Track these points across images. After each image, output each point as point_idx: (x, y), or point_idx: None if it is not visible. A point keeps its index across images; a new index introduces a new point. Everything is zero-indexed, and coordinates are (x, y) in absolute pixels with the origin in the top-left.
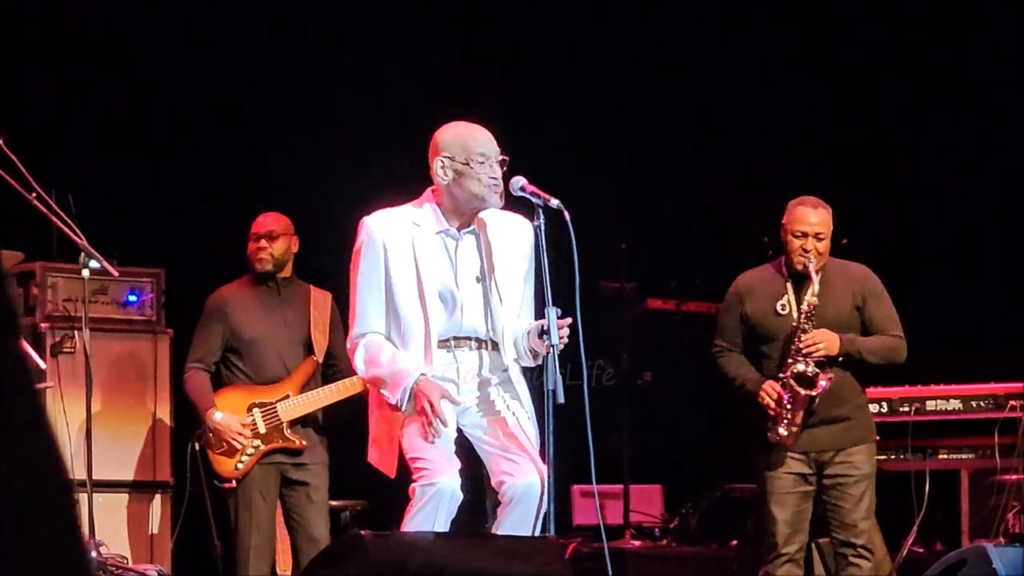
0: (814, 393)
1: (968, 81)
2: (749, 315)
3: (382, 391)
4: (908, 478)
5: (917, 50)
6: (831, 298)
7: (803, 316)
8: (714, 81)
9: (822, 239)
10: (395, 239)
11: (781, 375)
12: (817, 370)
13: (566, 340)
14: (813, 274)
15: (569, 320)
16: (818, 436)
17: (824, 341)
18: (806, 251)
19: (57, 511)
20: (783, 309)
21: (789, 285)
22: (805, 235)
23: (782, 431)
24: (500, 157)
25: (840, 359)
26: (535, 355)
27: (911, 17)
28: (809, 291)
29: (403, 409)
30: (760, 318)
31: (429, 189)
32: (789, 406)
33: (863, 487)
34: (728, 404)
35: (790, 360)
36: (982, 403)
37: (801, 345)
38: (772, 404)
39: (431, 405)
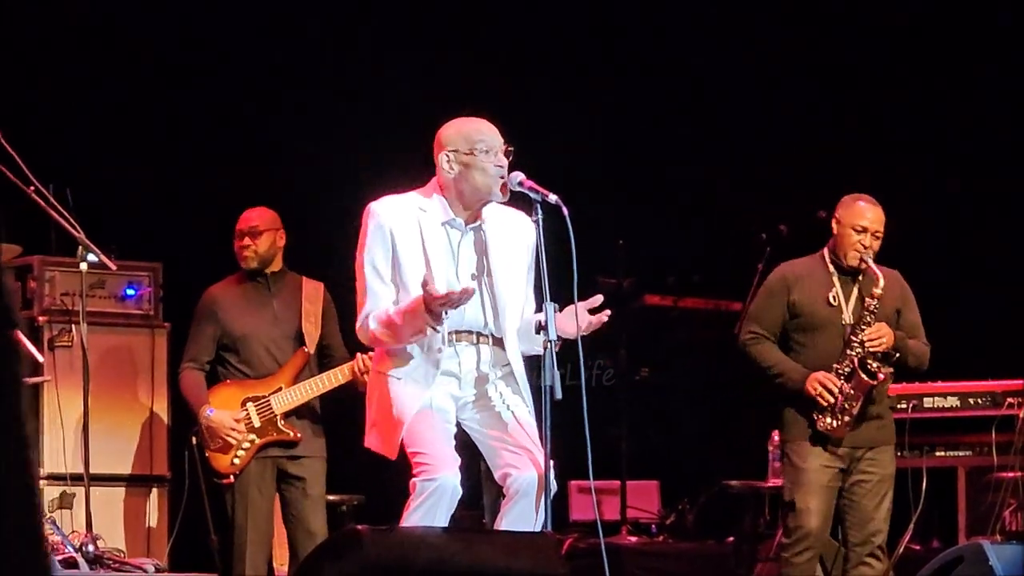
0: (876, 383)
1: (968, 81)
2: (797, 303)
3: (405, 337)
4: (905, 475)
5: (917, 50)
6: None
7: (867, 310)
8: (714, 78)
9: (879, 237)
10: (402, 225)
11: (836, 365)
12: (878, 363)
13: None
14: (876, 269)
15: (600, 299)
16: (860, 431)
17: (886, 336)
18: (864, 247)
19: (19, 512)
20: (834, 301)
21: (836, 278)
22: (865, 230)
23: (834, 422)
24: (505, 148)
25: (895, 356)
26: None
27: (911, 17)
28: (867, 285)
29: (440, 322)
30: (809, 307)
31: (434, 179)
32: (852, 393)
33: (886, 487)
34: (729, 399)
35: (849, 351)
36: (979, 400)
37: (864, 337)
38: (827, 395)
39: (444, 295)
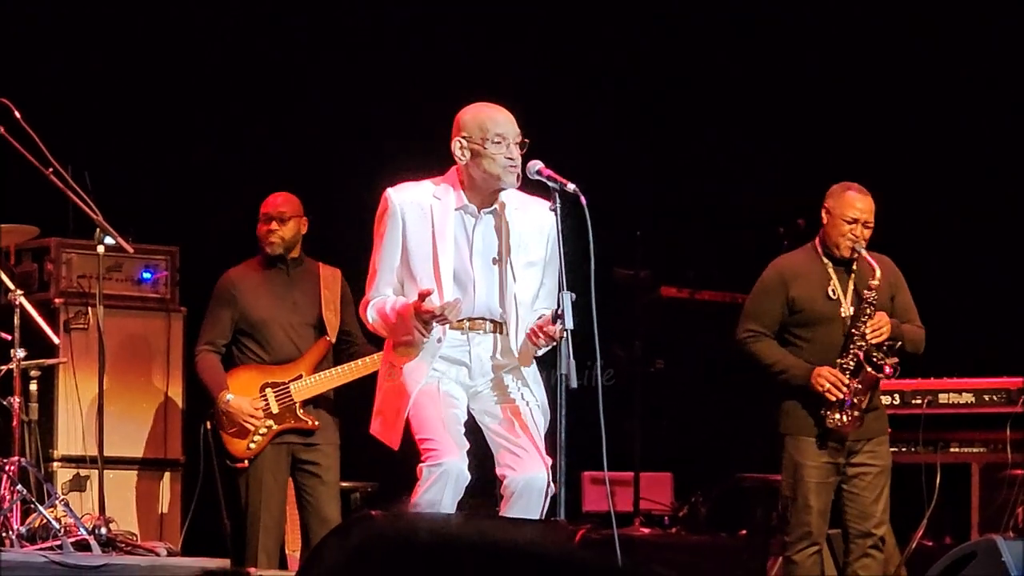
0: (883, 376)
1: (972, 71)
2: (796, 299)
3: (398, 336)
4: (919, 471)
5: (929, 39)
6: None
7: (866, 301)
8: (734, 70)
9: (870, 227)
10: (414, 211)
11: (841, 360)
12: (883, 355)
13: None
14: (870, 259)
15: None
16: (861, 423)
17: (886, 326)
18: (856, 237)
19: None
20: (833, 294)
21: (831, 270)
22: (855, 221)
23: (844, 418)
24: (519, 139)
25: (897, 345)
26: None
27: (916, 9)
28: (861, 276)
29: (428, 332)
30: (809, 303)
31: (453, 167)
32: (859, 388)
33: (884, 479)
34: (744, 392)
35: (852, 346)
36: (994, 397)
37: (867, 330)
38: (835, 391)
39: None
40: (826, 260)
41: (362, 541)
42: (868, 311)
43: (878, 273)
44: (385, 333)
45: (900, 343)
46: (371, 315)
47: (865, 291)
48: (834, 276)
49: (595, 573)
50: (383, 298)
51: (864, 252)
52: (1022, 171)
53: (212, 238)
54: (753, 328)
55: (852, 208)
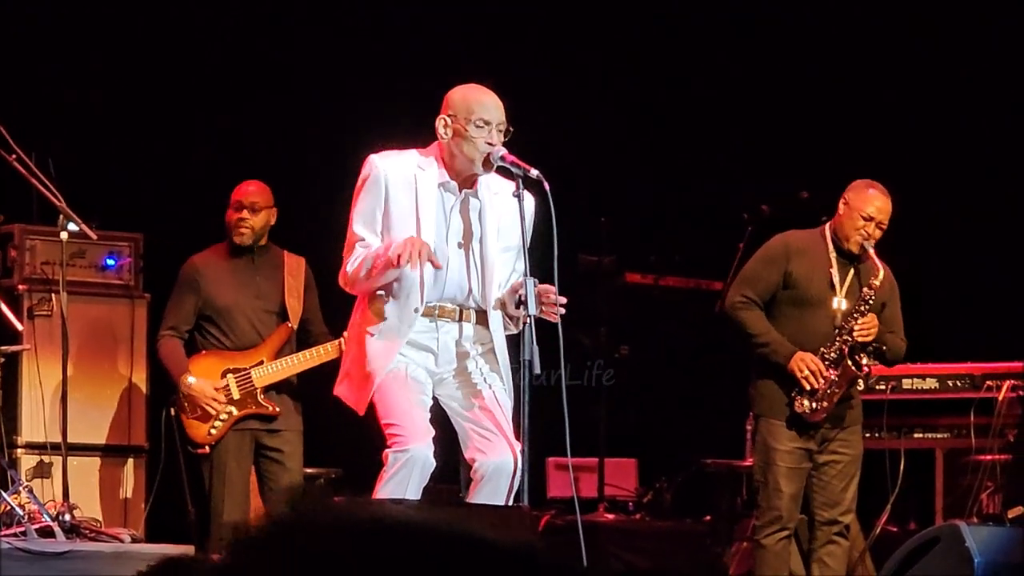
0: (861, 375)
1: (972, 71)
2: (794, 275)
3: (381, 270)
4: (883, 456)
5: (899, 28)
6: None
7: (863, 299)
8: (699, 55)
9: (883, 228)
10: (398, 179)
11: (824, 349)
12: (866, 355)
13: (561, 313)
14: (876, 259)
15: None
16: (834, 412)
17: (875, 328)
18: (867, 234)
19: None
20: (830, 283)
21: (835, 259)
22: (871, 219)
23: (813, 405)
24: (503, 127)
25: (883, 348)
26: (516, 321)
27: (916, 9)
28: (864, 274)
29: (404, 263)
30: (805, 282)
31: (436, 143)
32: (836, 380)
33: (855, 468)
34: (708, 378)
35: (838, 338)
36: (958, 383)
37: (856, 326)
38: (812, 379)
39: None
40: (832, 249)
41: (306, 523)
42: (863, 308)
43: (881, 275)
44: (365, 275)
45: (884, 347)
46: (350, 268)
47: (865, 289)
48: (836, 265)
49: (539, 561)
50: (366, 251)
51: (872, 251)
52: (980, 158)
53: (176, 225)
54: (747, 294)
55: (870, 205)
